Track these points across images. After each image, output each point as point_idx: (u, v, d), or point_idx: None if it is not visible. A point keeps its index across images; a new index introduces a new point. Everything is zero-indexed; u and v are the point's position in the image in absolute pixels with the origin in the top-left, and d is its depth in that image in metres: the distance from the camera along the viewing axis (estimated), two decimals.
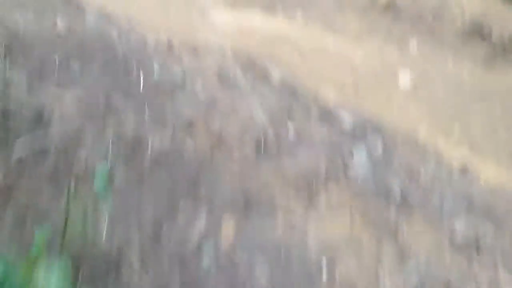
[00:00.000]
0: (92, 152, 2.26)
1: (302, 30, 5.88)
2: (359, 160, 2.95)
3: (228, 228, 2.32)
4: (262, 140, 2.82)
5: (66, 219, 1.84)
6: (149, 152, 2.40)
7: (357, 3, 6.41)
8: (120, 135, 2.43)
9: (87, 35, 2.62)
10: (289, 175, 2.72)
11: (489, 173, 3.48)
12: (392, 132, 3.81)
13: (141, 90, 2.73)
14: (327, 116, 3.47)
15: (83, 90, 2.53)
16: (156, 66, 2.84)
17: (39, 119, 2.18)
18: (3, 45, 2.17)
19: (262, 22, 5.78)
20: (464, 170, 3.36)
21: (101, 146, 2.29)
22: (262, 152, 2.74)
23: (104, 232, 2.04)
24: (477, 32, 6.01)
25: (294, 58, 5.11)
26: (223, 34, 5.16)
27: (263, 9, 6.23)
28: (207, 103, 3.05)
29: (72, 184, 2.13)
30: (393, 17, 6.20)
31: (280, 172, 2.70)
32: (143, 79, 2.73)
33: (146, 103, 2.79)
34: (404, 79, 5.26)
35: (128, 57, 2.65)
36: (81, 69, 2.38)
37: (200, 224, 2.29)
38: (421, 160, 3.34)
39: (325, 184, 2.71)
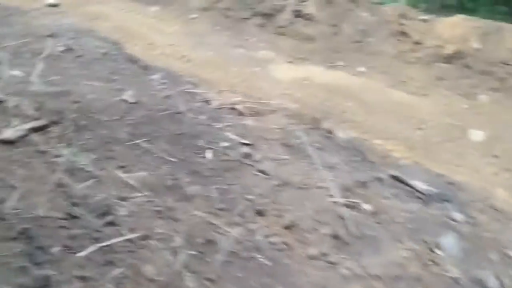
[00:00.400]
0: (160, 259, 2.10)
1: (365, 83, 5.75)
2: (447, 246, 2.68)
3: None
4: (339, 228, 2.59)
5: None
6: (219, 253, 2.20)
7: (420, 54, 6.24)
8: (189, 235, 2.26)
9: (154, 105, 2.58)
10: (372, 271, 2.46)
11: None
12: (471, 198, 3.54)
13: (207, 166, 2.63)
14: (402, 186, 3.24)
15: (149, 173, 2.43)
16: (221, 136, 2.74)
17: (106, 218, 2.08)
18: (72, 123, 2.16)
19: (323, 76, 5.70)
20: None
21: (170, 249, 2.14)
22: (340, 245, 2.50)
23: None
24: None
25: (359, 114, 4.96)
26: (284, 90, 5.11)
27: (324, 62, 6.17)
28: (277, 183, 2.89)
29: None
30: (459, 68, 5.96)
31: (362, 268, 2.44)
32: (209, 152, 2.62)
33: (213, 185, 2.64)
34: (476, 134, 4.98)
35: (194, 128, 2.57)
36: (147, 146, 2.31)
37: None
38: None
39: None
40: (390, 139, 4.56)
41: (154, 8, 6.50)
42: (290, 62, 6.07)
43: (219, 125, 2.87)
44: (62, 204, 2.08)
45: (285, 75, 5.60)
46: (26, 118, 2.15)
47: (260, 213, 2.57)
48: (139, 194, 2.29)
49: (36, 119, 2.14)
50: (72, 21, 4.85)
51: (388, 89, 5.69)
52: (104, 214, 2.11)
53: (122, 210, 2.17)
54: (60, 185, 2.12)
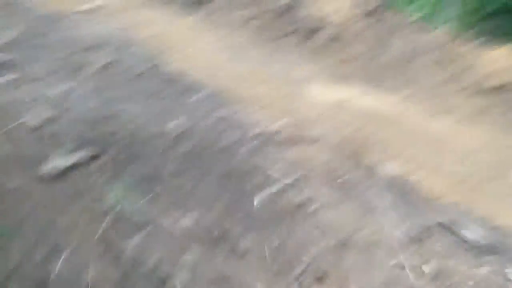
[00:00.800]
0: None
1: (406, 110, 5.51)
2: None
3: None
4: None
5: None
6: None
7: (465, 82, 5.98)
8: None
9: (198, 137, 2.43)
10: None
11: None
12: None
13: (256, 214, 2.46)
14: (453, 237, 3.00)
15: (197, 223, 2.25)
16: (268, 176, 2.56)
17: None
18: (114, 157, 2.01)
19: (363, 100, 5.50)
20: None
21: None
22: None
23: None
24: None
25: (400, 144, 4.74)
26: (323, 112, 4.93)
27: (363, 84, 5.96)
28: (333, 242, 2.70)
29: None
30: (506, 102, 5.68)
31: None
32: (257, 197, 2.45)
33: (265, 239, 2.46)
34: None
35: (240, 166, 2.40)
36: (192, 187, 2.16)
37: None
38: None
39: None
40: (433, 175, 4.33)
41: (191, 18, 6.40)
42: (328, 82, 5.89)
43: (264, 161, 2.70)
44: (112, 272, 1.93)
45: (323, 96, 5.42)
46: (65, 149, 2.01)
47: (319, 279, 2.36)
48: (190, 254, 2.12)
49: (75, 150, 2.00)
50: (113, 29, 4.76)
51: (430, 118, 5.45)
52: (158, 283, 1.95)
53: (176, 278, 2.01)
54: (107, 242, 1.98)
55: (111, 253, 1.92)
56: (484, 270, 2.78)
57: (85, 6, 5.79)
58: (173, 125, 2.52)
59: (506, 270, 2.85)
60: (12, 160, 1.84)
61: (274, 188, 2.64)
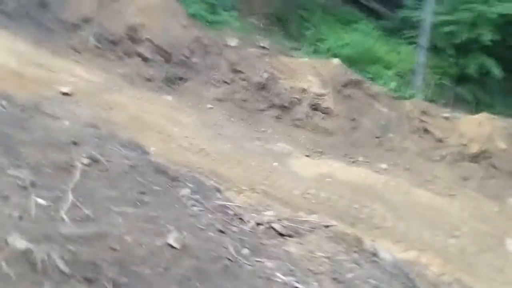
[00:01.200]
0: None
1: (390, 182, 5.50)
2: None
3: None
4: None
5: None
6: None
7: (444, 152, 6.06)
8: None
9: (202, 250, 2.28)
10: None
11: None
12: None
13: None
14: None
15: None
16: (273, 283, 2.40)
17: None
18: (110, 281, 1.82)
19: (346, 173, 5.46)
20: None
21: None
22: None
23: None
24: None
25: (389, 219, 4.68)
26: (308, 189, 4.84)
27: (344, 157, 5.97)
28: None
29: None
30: (485, 168, 5.77)
31: None
32: None
33: None
34: None
35: (245, 281, 2.22)
36: None
37: None
38: None
39: None
40: (426, 251, 4.24)
41: (169, 97, 6.36)
42: (308, 156, 5.86)
43: (266, 262, 2.55)
44: None
45: (306, 171, 5.36)
46: (58, 276, 1.82)
47: None
48: None
49: (69, 276, 1.80)
50: (90, 115, 4.65)
51: (414, 189, 5.44)
52: None
53: None
54: None
55: None
56: None
57: (60, 89, 5.67)
58: (172, 238, 2.36)
59: None
60: None
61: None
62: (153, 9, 7.15)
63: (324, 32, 8.82)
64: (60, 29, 7.18)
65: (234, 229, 2.89)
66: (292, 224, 3.28)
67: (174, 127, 5.50)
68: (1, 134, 3.02)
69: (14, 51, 6.34)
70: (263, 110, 6.50)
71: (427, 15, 7.82)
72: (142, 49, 6.80)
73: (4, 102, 3.76)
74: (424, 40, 7.85)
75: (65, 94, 5.76)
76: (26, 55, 6.37)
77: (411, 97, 7.31)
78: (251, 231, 2.96)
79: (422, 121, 6.30)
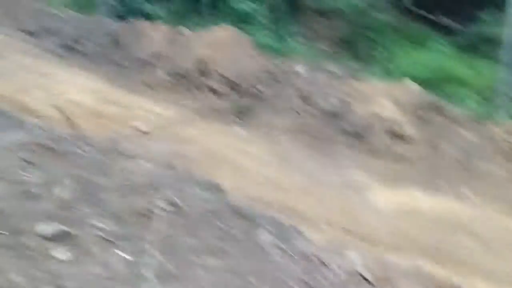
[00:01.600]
0: None
1: (476, 212, 5.10)
2: None
3: None
4: None
5: None
6: None
7: None
8: None
9: None
10: None
11: None
12: None
13: None
14: None
15: None
16: None
17: None
18: None
19: (429, 205, 5.12)
20: None
21: None
22: None
23: None
24: None
25: (482, 257, 4.30)
26: (392, 225, 4.57)
27: (425, 186, 5.60)
28: None
29: None
30: None
31: None
32: None
33: None
34: None
35: None
36: None
37: None
38: None
39: None
40: None
41: (239, 129, 6.33)
42: (387, 187, 5.56)
43: None
44: None
45: (386, 204, 5.08)
46: None
47: None
48: None
49: None
50: (165, 152, 4.68)
51: (506, 220, 5.01)
52: None
53: None
54: None
55: None
56: None
57: (127, 130, 5.76)
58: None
59: None
60: None
61: None
62: (221, 42, 7.24)
63: (395, 52, 8.55)
64: (133, 65, 7.42)
65: (319, 277, 2.72)
66: (380, 268, 3.06)
67: (247, 161, 5.43)
68: (83, 179, 3.05)
69: (90, 89, 6.58)
70: (336, 138, 6.30)
71: (510, 29, 7.34)
72: (211, 82, 6.86)
73: (83, 146, 3.84)
74: (506, 55, 7.36)
75: (139, 130, 5.89)
76: (102, 93, 6.58)
77: (493, 117, 6.84)
78: (336, 279, 2.77)
79: (508, 142, 5.84)
